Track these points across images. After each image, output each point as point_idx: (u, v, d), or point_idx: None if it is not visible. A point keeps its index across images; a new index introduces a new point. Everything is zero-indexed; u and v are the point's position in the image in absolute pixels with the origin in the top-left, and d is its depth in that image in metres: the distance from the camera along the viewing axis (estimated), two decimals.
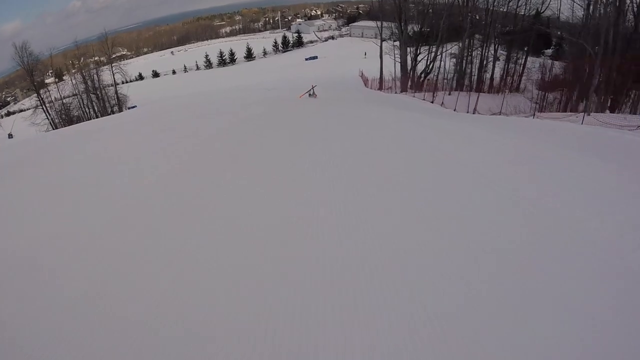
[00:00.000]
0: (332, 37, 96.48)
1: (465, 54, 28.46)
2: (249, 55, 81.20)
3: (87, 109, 44.93)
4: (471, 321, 3.33)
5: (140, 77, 78.38)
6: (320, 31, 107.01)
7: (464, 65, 28.78)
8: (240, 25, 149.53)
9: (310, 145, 8.42)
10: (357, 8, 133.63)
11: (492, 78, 29.75)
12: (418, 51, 30.60)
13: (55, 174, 8.62)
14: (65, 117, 42.57)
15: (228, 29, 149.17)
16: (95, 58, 55.79)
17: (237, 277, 4.01)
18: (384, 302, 3.59)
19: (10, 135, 38.02)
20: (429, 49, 30.78)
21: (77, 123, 34.12)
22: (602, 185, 6.50)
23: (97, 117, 41.44)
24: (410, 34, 26.83)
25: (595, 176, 6.91)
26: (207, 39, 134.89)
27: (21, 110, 64.84)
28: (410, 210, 5.41)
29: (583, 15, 27.64)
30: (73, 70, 53.90)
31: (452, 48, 30.22)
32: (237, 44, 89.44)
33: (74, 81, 45.99)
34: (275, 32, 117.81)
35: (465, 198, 5.81)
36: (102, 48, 50.57)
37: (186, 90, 48.95)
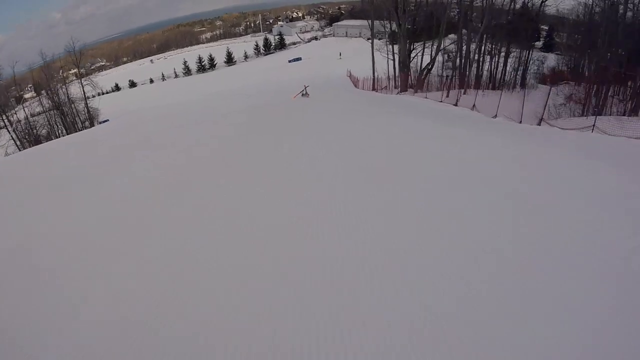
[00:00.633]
0: (316, 38, 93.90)
1: (464, 49, 25.95)
2: (230, 60, 77.90)
3: (56, 125, 41.61)
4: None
5: (117, 88, 74.59)
6: (303, 32, 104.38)
7: (462, 61, 26.29)
8: (221, 31, 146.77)
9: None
10: (339, 8, 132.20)
11: (491, 74, 27.49)
12: (411, 47, 28.13)
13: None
14: (28, 138, 39.01)
15: (209, 35, 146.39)
16: (64, 73, 52.47)
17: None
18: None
19: None
20: (423, 44, 28.26)
21: (44, 142, 31.01)
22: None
23: (66, 134, 38.05)
24: (408, 26, 24.06)
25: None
26: (187, 46, 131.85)
27: None
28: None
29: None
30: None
31: (449, 44, 27.83)
32: (218, 49, 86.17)
33: (42, 98, 42.69)
34: (257, 35, 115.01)
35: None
36: (72, 61, 47.00)
37: (163, 100, 46.17)
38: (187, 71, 76.78)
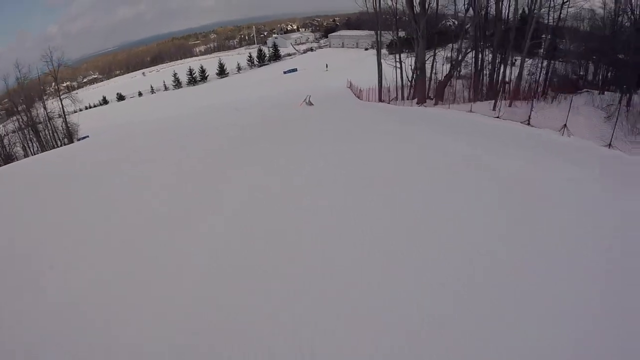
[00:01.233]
0: (311, 49, 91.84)
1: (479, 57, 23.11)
2: (222, 72, 75.04)
3: (30, 142, 38.33)
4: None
5: (105, 102, 71.39)
6: (298, 44, 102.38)
7: (479, 68, 23.44)
8: (215, 44, 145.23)
9: None
10: (334, 20, 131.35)
11: (509, 83, 24.81)
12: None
13: None
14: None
15: (202, 48, 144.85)
16: (53, 86, 49.66)
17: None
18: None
19: None
20: (434, 51, 25.40)
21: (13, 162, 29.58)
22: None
23: (40, 152, 34.84)
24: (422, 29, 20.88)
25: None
26: (180, 58, 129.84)
27: None
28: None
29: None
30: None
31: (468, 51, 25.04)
32: (211, 62, 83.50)
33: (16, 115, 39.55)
34: (251, 47, 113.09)
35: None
36: (51, 74, 43.77)
37: (152, 114, 43.49)
38: (178, 84, 73.77)
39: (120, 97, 72.35)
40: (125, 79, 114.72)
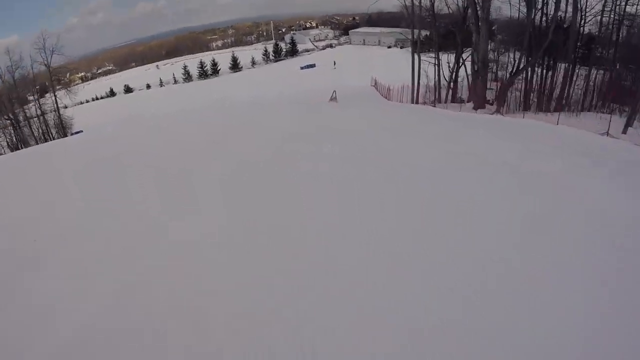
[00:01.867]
0: (331, 45, 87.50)
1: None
2: (235, 66, 71.19)
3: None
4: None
5: (112, 94, 68.53)
6: (317, 41, 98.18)
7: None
8: (233, 39, 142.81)
9: None
10: (354, 18, 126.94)
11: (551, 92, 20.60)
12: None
13: None
14: None
15: (220, 42, 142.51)
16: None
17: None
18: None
19: None
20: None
21: None
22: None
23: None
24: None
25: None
26: (196, 52, 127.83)
27: None
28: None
29: None
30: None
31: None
32: (225, 56, 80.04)
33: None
34: (268, 43, 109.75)
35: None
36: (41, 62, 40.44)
37: (161, 108, 40.26)
38: (188, 77, 70.27)
39: (128, 90, 69.39)
40: (138, 71, 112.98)
